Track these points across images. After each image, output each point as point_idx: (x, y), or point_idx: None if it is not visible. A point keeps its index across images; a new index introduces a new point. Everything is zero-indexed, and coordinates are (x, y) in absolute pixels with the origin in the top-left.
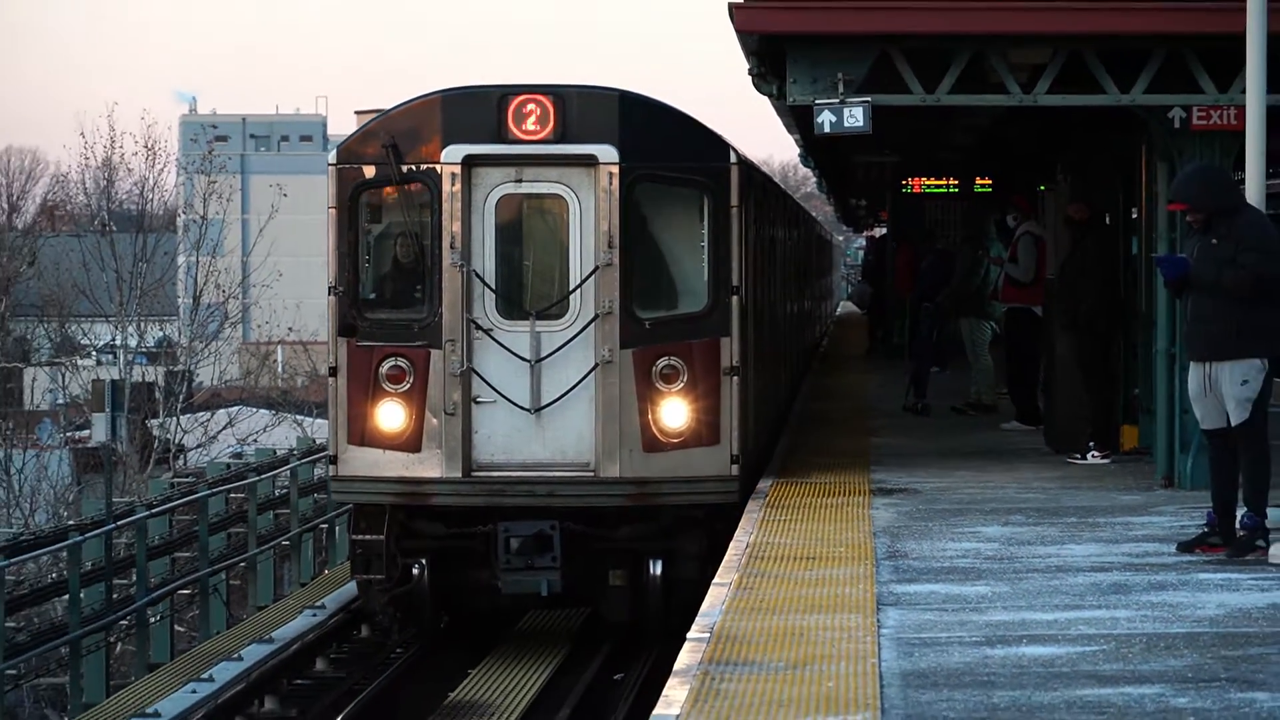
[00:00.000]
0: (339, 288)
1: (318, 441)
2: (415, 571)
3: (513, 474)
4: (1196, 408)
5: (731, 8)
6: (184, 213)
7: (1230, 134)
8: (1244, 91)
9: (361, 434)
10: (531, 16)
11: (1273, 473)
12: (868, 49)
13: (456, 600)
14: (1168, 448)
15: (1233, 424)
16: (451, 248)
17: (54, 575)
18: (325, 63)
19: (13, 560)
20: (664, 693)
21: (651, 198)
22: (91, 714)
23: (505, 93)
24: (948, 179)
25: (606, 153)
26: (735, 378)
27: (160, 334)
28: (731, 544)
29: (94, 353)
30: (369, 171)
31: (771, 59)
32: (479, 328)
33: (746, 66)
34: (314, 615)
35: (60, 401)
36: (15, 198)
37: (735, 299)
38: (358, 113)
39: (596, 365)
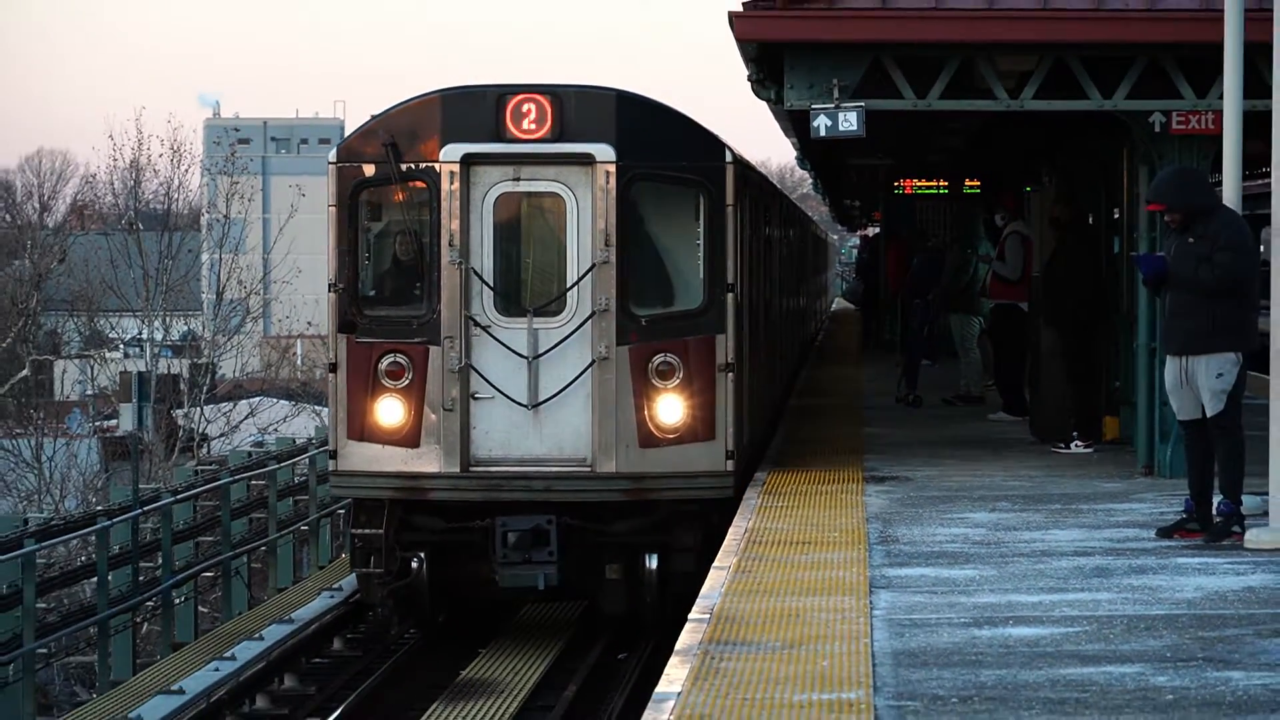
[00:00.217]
0: (339, 285)
1: None
2: (414, 565)
3: (510, 469)
4: (1173, 400)
5: (732, 17)
6: (208, 212)
7: (1208, 138)
8: (1221, 97)
9: (361, 429)
10: (538, 17)
11: (1247, 461)
12: (862, 57)
13: (454, 593)
14: (1148, 438)
15: (1209, 415)
16: (450, 245)
17: (83, 558)
18: (343, 68)
19: (44, 544)
20: (666, 671)
21: (648, 196)
22: (119, 691)
23: (503, 92)
24: (938, 180)
25: (603, 152)
26: (730, 374)
27: (185, 328)
28: (730, 529)
29: (121, 346)
30: (369, 170)
31: (770, 66)
32: (477, 324)
33: (746, 73)
34: (331, 597)
35: (89, 392)
36: (47, 197)
37: (730, 296)
38: (373, 116)
39: (593, 361)
